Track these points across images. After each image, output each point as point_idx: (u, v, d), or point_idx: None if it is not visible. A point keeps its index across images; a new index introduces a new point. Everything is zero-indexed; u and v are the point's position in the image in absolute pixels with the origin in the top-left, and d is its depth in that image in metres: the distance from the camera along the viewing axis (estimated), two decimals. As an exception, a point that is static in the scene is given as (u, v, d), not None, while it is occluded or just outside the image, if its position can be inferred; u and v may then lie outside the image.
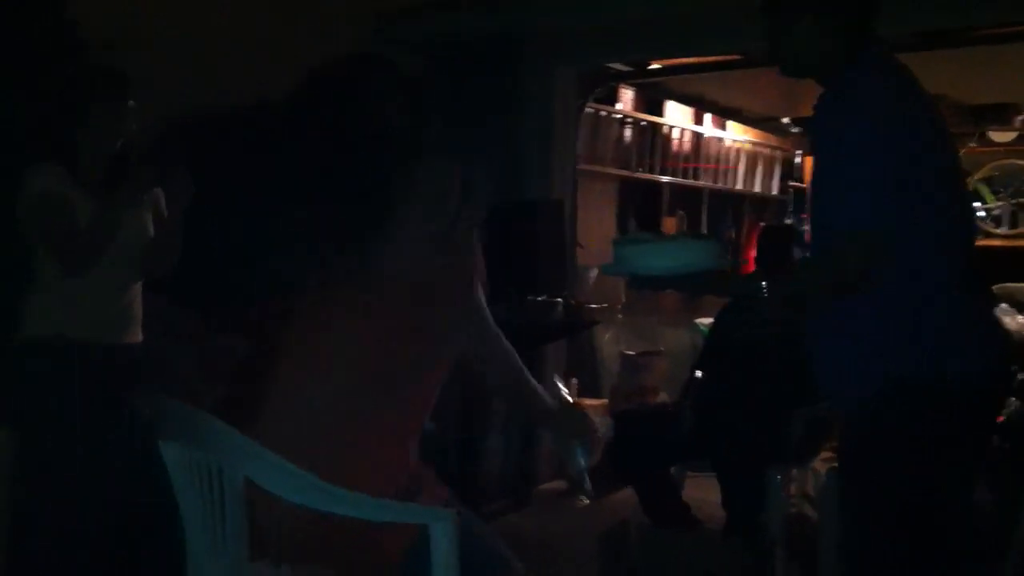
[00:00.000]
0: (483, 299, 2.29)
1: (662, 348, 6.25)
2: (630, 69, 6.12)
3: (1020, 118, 7.42)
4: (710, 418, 3.99)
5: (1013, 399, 3.91)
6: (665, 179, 7.34)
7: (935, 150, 2.18)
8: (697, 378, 4.25)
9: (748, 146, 8.23)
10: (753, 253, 8.04)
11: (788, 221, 8.39)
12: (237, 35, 4.29)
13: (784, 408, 3.79)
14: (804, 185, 8.55)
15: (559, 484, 5.35)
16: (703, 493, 4.30)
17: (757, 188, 8.41)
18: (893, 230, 2.11)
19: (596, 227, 6.51)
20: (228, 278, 3.07)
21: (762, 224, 7.40)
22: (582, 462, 2.30)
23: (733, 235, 8.31)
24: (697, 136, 7.64)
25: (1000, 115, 7.58)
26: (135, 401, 2.33)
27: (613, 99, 6.69)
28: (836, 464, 3.91)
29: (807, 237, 7.73)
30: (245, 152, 3.07)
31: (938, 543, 2.21)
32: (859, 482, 2.29)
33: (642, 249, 2.31)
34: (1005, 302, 4.89)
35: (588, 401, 5.83)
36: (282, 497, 2.05)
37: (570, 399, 2.49)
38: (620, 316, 6.50)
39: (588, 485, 2.31)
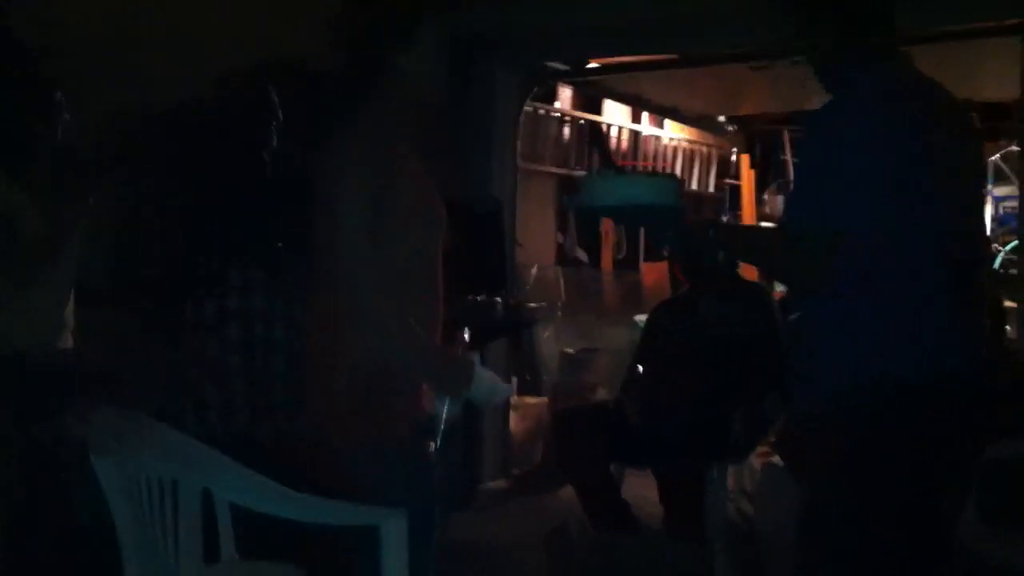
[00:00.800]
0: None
1: (601, 346, 6.29)
2: (568, 68, 6.14)
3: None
4: (648, 415, 4.03)
5: None
6: (604, 177, 7.39)
7: (930, 162, 2.21)
8: (635, 374, 4.29)
9: (685, 144, 8.32)
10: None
11: (724, 218, 8.49)
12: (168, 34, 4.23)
13: (722, 404, 3.84)
14: (739, 183, 8.65)
15: (501, 483, 5.37)
16: (642, 490, 4.34)
17: (694, 186, 8.50)
18: (871, 234, 2.14)
19: (535, 226, 6.54)
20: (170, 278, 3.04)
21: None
22: (441, 410, 2.30)
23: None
24: (635, 134, 7.71)
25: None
26: (67, 416, 2.29)
27: (552, 98, 6.73)
28: (771, 459, 4.02)
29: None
30: (179, 155, 3.05)
31: (926, 542, 2.28)
32: (851, 479, 2.31)
33: (606, 182, 2.37)
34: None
35: (528, 399, 5.86)
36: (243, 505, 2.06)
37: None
38: (560, 314, 6.53)
39: (437, 436, 2.32)
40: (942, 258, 2.21)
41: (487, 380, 2.31)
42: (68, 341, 3.13)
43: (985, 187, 2.36)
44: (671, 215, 2.39)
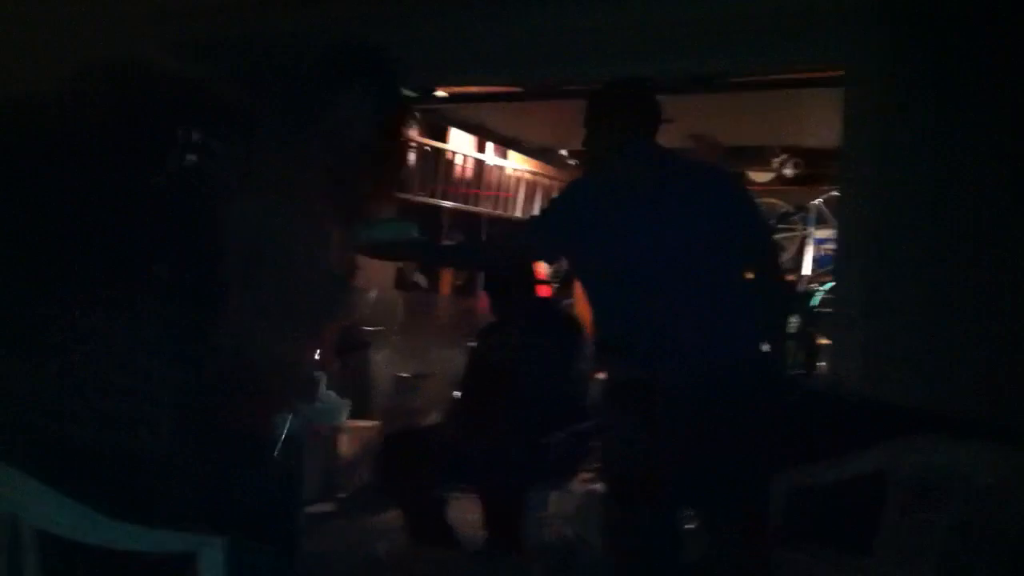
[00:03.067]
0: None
1: (435, 370, 6.30)
2: (415, 95, 6.16)
3: (776, 160, 7.92)
4: (471, 438, 4.06)
5: None
6: (446, 204, 7.43)
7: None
8: (459, 398, 4.32)
9: (528, 175, 8.44)
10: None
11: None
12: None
13: (544, 428, 3.91)
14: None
15: (327, 506, 5.30)
16: (466, 514, 4.36)
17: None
18: None
19: (375, 249, 6.51)
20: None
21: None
22: (283, 423, 2.33)
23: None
24: (479, 163, 7.78)
25: (758, 156, 8.07)
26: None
27: (396, 123, 6.73)
28: (592, 484, 4.10)
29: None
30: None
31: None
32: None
33: (374, 226, 3.03)
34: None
35: (360, 423, 5.82)
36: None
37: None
38: (395, 337, 6.52)
39: (276, 447, 2.34)
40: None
41: (330, 398, 2.35)
42: None
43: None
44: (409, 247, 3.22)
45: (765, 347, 2.78)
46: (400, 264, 7.18)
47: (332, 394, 2.33)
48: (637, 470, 2.69)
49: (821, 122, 5.80)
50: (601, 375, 3.15)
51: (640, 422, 2.64)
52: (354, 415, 5.86)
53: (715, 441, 2.59)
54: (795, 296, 5.84)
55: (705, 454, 2.61)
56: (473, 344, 4.48)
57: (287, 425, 2.30)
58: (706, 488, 2.66)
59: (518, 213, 8.38)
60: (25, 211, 2.27)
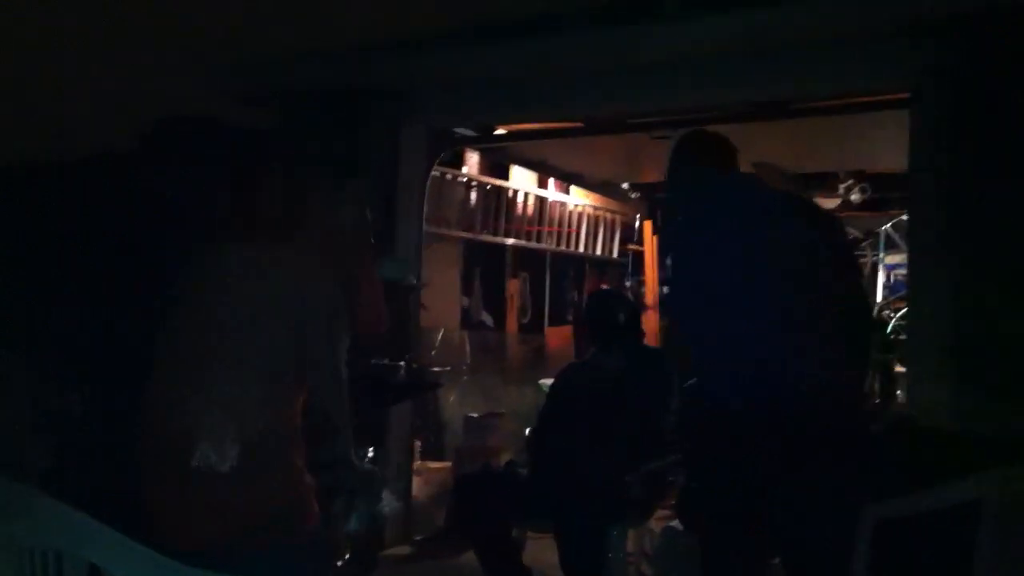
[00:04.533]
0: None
1: (505, 409, 6.29)
2: (476, 134, 6.22)
3: (842, 186, 7.83)
4: (548, 476, 4.04)
5: None
6: (509, 241, 7.46)
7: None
8: (538, 435, 4.31)
9: (590, 210, 8.44)
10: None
11: (628, 283, 8.62)
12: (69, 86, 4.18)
13: (620, 466, 3.87)
14: (642, 248, 8.79)
15: (405, 548, 5.30)
16: (544, 554, 4.33)
17: (598, 251, 8.62)
18: None
19: (441, 289, 6.55)
20: (61, 330, 2.96)
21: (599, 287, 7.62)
22: (353, 524, 2.40)
23: (575, 296, 8.48)
24: (541, 200, 7.80)
25: (823, 183, 7.98)
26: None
27: (459, 162, 6.79)
28: (671, 522, 4.06)
29: (648, 299, 7.95)
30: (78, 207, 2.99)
31: None
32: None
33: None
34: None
35: (432, 464, 5.82)
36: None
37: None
38: (465, 378, 6.53)
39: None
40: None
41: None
42: None
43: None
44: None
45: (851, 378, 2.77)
46: (466, 304, 7.21)
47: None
48: (727, 507, 2.68)
49: (888, 146, 5.73)
50: (691, 411, 3.15)
51: (735, 458, 2.63)
52: (425, 456, 5.87)
53: (806, 477, 2.57)
54: (874, 324, 5.76)
55: (796, 491, 2.59)
56: (558, 381, 4.46)
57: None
58: (792, 524, 2.63)
59: (581, 248, 8.37)
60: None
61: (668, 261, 3.14)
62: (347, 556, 2.80)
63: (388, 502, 2.45)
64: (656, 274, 8.64)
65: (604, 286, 8.27)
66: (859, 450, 2.66)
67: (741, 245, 2.78)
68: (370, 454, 2.50)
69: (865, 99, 4.93)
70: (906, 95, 4.39)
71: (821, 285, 2.76)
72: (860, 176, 7.69)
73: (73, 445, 2.84)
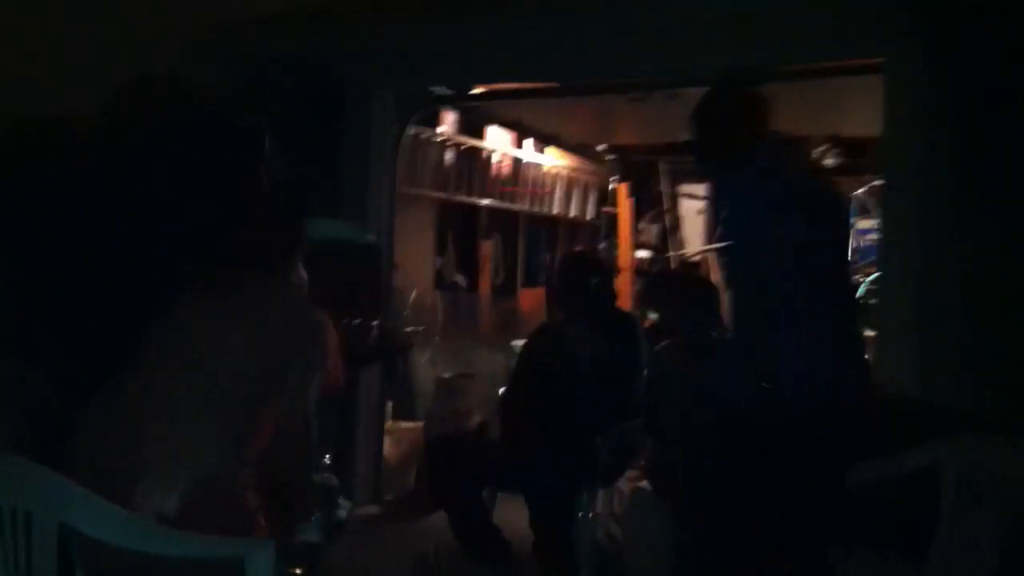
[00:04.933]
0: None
1: (477, 371, 6.30)
2: (452, 93, 6.17)
3: (816, 150, 7.81)
4: (519, 439, 4.05)
5: None
6: (484, 202, 7.43)
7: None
8: (508, 397, 4.31)
9: (565, 172, 8.42)
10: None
11: (602, 245, 8.62)
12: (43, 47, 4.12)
13: (590, 429, 3.89)
14: (616, 211, 8.79)
15: (374, 508, 5.32)
16: (512, 515, 4.36)
17: (573, 213, 8.61)
18: None
19: (414, 249, 6.53)
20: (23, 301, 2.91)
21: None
22: (313, 534, 2.41)
23: (549, 259, 8.48)
24: (516, 161, 7.77)
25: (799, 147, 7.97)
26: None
27: (435, 121, 6.74)
28: (640, 484, 4.09)
29: (621, 262, 7.95)
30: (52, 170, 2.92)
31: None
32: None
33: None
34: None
35: (403, 424, 5.83)
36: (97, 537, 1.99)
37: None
38: (437, 338, 6.53)
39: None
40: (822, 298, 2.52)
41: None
42: None
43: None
44: None
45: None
46: (439, 264, 7.20)
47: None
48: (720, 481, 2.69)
49: (863, 111, 5.72)
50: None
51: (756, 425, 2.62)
52: (396, 417, 5.88)
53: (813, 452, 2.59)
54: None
55: (799, 465, 2.60)
56: (528, 344, 4.46)
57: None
58: (789, 497, 2.64)
59: (556, 210, 8.36)
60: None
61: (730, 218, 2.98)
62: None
63: (344, 507, 2.45)
64: (630, 237, 8.65)
65: (578, 248, 8.28)
66: (851, 419, 2.69)
67: (795, 216, 2.76)
68: (327, 461, 2.48)
69: (838, 63, 4.91)
70: (880, 60, 4.38)
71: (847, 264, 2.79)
72: (833, 141, 7.69)
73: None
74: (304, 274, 2.50)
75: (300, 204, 2.60)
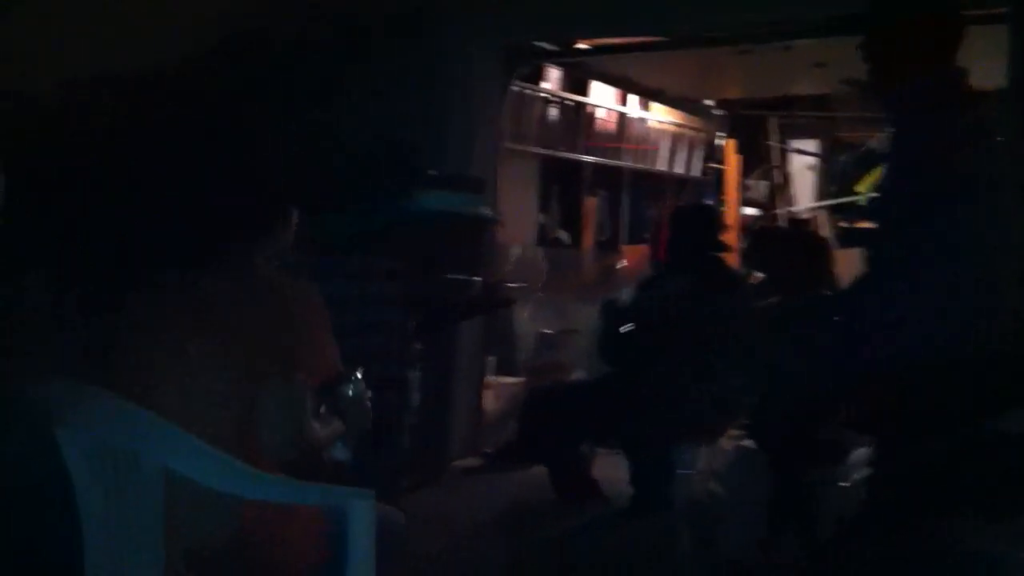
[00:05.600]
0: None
1: (579, 327, 6.28)
2: (556, 48, 6.11)
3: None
4: (620, 393, 4.03)
5: None
6: (588, 159, 7.37)
7: None
8: (607, 352, 4.27)
9: (671, 127, 8.29)
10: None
11: (708, 202, 8.49)
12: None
13: (693, 385, 3.84)
14: (724, 167, 8.64)
15: (472, 460, 5.36)
16: (612, 470, 4.34)
17: (679, 169, 8.48)
18: None
19: (518, 206, 6.51)
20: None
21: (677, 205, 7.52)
22: (339, 455, 2.39)
23: (654, 215, 8.38)
24: (621, 116, 7.68)
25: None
26: (27, 386, 2.26)
27: (538, 78, 6.70)
28: (743, 442, 4.03)
29: (729, 218, 7.80)
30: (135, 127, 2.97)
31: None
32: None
33: None
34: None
35: (505, 379, 5.86)
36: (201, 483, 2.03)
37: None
38: (539, 294, 6.52)
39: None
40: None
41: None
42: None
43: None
44: None
45: None
46: (542, 221, 7.18)
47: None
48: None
49: (984, 62, 5.49)
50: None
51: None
52: (498, 372, 5.91)
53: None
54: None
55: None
56: (629, 294, 4.40)
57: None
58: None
59: (661, 167, 8.25)
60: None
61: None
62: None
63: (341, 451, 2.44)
64: (737, 193, 8.50)
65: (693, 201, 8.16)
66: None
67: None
68: (358, 375, 2.46)
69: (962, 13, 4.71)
70: (1004, 9, 4.19)
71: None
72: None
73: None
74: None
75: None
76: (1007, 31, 4.13)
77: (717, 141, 8.77)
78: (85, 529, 2.11)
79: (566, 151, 7.12)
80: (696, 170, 8.70)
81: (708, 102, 8.44)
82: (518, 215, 6.51)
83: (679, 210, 5.11)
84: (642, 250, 7.58)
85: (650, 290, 4.30)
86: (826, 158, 9.18)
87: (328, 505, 2.16)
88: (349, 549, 2.07)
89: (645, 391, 3.91)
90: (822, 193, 9.15)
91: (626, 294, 4.40)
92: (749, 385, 3.91)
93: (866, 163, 7.91)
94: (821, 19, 4.91)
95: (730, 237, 7.51)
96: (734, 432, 4.20)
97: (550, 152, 6.97)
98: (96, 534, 2.10)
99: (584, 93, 7.20)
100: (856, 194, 8.09)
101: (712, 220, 4.54)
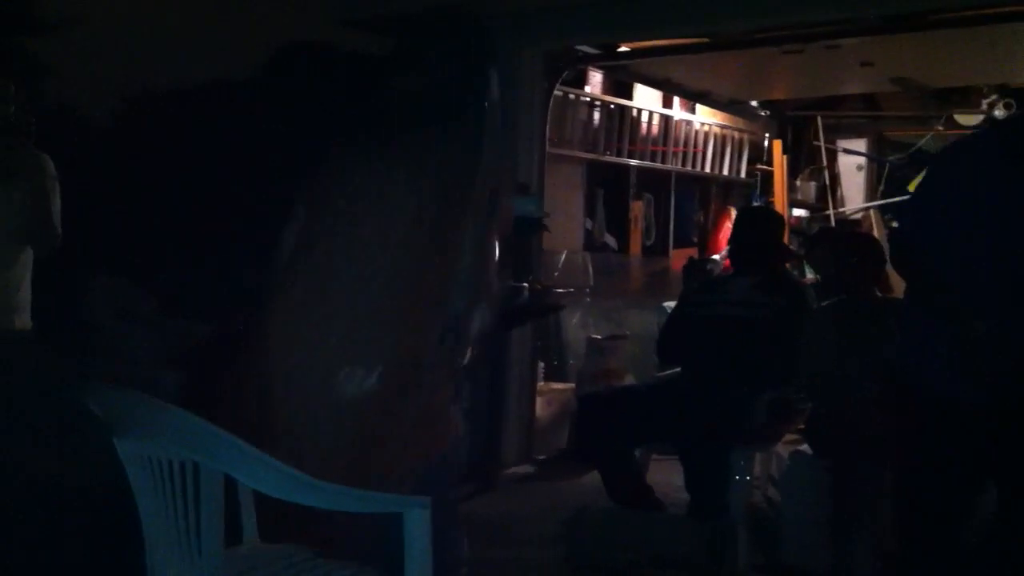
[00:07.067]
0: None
1: (628, 332, 6.25)
2: (599, 52, 6.09)
3: (985, 101, 7.46)
4: (675, 398, 3.99)
5: None
6: (633, 162, 7.34)
7: None
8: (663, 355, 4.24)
9: (716, 129, 8.24)
10: (721, 235, 8.06)
11: (755, 205, 8.41)
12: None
13: (748, 391, 3.80)
14: (771, 168, 8.57)
15: (526, 468, 5.35)
16: (667, 476, 4.31)
17: (725, 171, 8.43)
18: None
19: (564, 211, 6.50)
20: (190, 263, 3.02)
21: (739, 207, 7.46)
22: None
23: (701, 218, 8.33)
24: (666, 119, 7.65)
25: (965, 98, 7.61)
26: (87, 397, 2.28)
27: (582, 82, 6.68)
28: (799, 447, 3.98)
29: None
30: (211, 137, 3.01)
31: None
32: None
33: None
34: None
35: (555, 385, 5.85)
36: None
37: None
38: (587, 300, 6.50)
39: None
40: None
41: None
42: (25, 322, 3.10)
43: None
44: None
45: None
46: (589, 226, 7.16)
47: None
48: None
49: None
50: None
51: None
52: (548, 378, 5.90)
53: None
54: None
55: None
56: (683, 304, 4.37)
57: None
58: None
59: (707, 169, 8.20)
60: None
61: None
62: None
63: None
64: (785, 195, 8.42)
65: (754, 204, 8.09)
66: None
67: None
68: None
69: (1007, 9, 4.64)
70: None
71: None
72: (1004, 90, 7.31)
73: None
74: None
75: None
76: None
77: (764, 142, 8.70)
78: (146, 534, 2.14)
79: (611, 155, 7.10)
80: (742, 172, 8.64)
81: (754, 103, 8.37)
82: (564, 220, 6.50)
83: (743, 213, 5.05)
84: (690, 254, 7.54)
85: (711, 293, 4.26)
86: (874, 158, 9.09)
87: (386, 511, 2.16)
88: (407, 555, 2.09)
89: (701, 396, 3.87)
90: (870, 193, 9.06)
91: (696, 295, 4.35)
92: (806, 389, 3.88)
93: (920, 163, 7.85)
94: (866, 18, 4.88)
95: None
96: (790, 437, 4.16)
97: (595, 156, 6.95)
98: (156, 539, 2.13)
99: (628, 96, 7.18)
100: (909, 194, 8.00)
101: (778, 224, 4.49)
